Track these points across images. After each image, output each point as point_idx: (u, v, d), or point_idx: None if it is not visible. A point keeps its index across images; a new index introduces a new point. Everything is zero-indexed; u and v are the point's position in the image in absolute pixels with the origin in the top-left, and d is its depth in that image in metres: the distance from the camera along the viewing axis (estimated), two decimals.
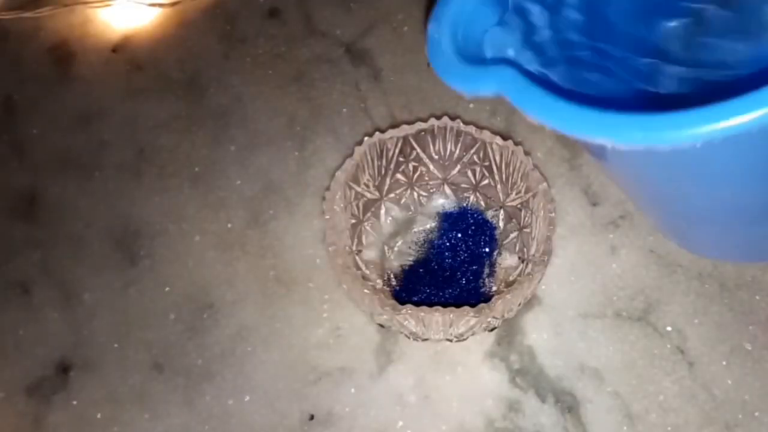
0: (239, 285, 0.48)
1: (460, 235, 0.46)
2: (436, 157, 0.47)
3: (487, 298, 0.42)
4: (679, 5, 0.33)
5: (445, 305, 0.39)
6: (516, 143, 0.45)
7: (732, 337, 0.45)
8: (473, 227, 0.46)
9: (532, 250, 0.43)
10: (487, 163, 0.46)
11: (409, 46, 0.59)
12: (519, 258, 0.44)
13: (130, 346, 0.46)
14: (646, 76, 0.33)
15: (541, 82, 0.26)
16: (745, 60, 0.32)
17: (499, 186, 0.46)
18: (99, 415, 0.44)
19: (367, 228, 0.46)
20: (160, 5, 0.62)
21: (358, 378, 0.44)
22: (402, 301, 0.40)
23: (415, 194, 0.48)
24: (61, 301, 0.48)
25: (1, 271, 0.49)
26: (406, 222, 0.48)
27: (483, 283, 0.44)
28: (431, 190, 0.48)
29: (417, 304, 0.40)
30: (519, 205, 0.45)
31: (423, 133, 0.46)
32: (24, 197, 0.52)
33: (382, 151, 0.46)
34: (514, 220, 0.45)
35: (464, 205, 0.47)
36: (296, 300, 0.47)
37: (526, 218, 0.44)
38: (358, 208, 0.46)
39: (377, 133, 0.45)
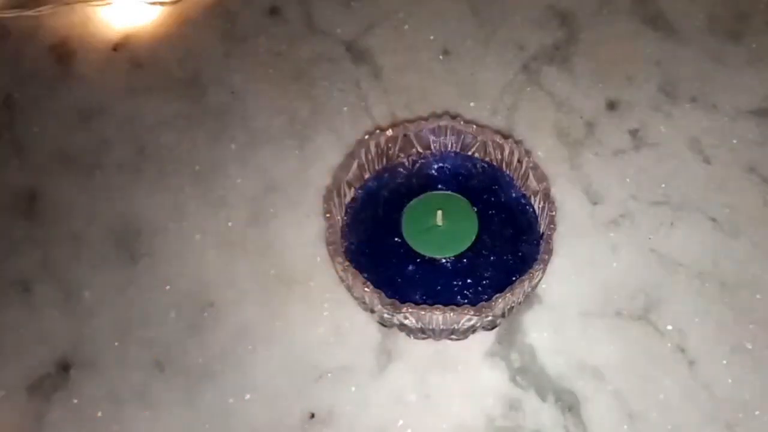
0: (240, 283, 0.48)
1: None
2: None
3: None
4: None
5: (446, 304, 0.39)
6: (516, 142, 0.45)
7: (732, 336, 0.45)
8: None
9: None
10: (487, 162, 0.46)
11: (410, 44, 0.59)
12: None
13: (131, 344, 0.46)
14: None
15: None
16: None
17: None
18: (99, 414, 0.44)
19: None
20: (161, 3, 0.62)
21: (359, 376, 0.44)
22: (403, 300, 0.40)
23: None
24: (61, 299, 0.48)
25: (1, 270, 0.49)
26: None
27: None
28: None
29: (417, 303, 0.40)
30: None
31: (424, 131, 0.46)
32: (24, 195, 0.52)
33: (383, 150, 0.46)
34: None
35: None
36: (297, 298, 0.47)
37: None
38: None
39: (378, 131, 0.45)
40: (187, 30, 0.60)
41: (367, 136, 0.45)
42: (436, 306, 0.39)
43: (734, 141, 0.53)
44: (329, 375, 0.44)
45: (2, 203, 0.52)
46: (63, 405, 0.44)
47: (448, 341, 0.44)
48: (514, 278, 0.41)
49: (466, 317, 0.39)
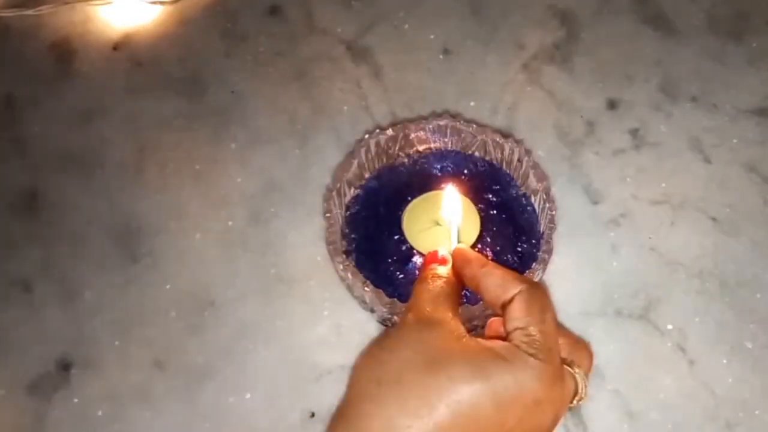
0: (240, 283, 0.48)
1: None
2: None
3: None
4: None
5: None
6: (516, 141, 0.45)
7: (732, 336, 0.45)
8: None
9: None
10: (487, 161, 0.46)
11: (410, 44, 0.59)
12: None
13: (131, 343, 0.46)
14: None
15: None
16: None
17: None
18: (100, 413, 0.44)
19: None
20: (161, 3, 0.62)
21: None
22: (403, 299, 0.40)
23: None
24: (62, 298, 0.48)
25: (2, 269, 0.49)
26: None
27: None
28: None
29: None
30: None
31: (424, 130, 0.46)
32: (25, 195, 0.52)
33: (383, 149, 0.46)
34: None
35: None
36: (297, 298, 0.47)
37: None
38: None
39: (378, 130, 0.45)
40: (187, 30, 0.60)
41: (367, 136, 0.45)
42: None
43: (734, 140, 0.53)
44: (329, 374, 0.44)
45: (3, 202, 0.52)
46: (63, 404, 0.44)
47: None
48: None
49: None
